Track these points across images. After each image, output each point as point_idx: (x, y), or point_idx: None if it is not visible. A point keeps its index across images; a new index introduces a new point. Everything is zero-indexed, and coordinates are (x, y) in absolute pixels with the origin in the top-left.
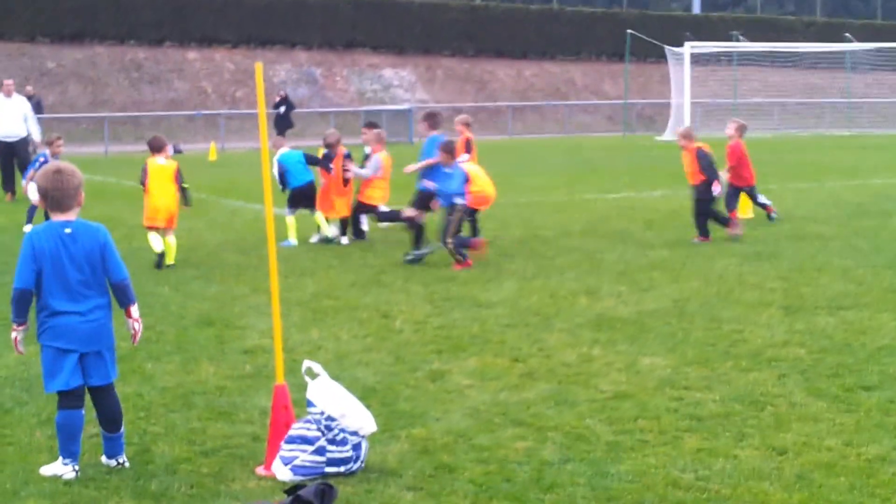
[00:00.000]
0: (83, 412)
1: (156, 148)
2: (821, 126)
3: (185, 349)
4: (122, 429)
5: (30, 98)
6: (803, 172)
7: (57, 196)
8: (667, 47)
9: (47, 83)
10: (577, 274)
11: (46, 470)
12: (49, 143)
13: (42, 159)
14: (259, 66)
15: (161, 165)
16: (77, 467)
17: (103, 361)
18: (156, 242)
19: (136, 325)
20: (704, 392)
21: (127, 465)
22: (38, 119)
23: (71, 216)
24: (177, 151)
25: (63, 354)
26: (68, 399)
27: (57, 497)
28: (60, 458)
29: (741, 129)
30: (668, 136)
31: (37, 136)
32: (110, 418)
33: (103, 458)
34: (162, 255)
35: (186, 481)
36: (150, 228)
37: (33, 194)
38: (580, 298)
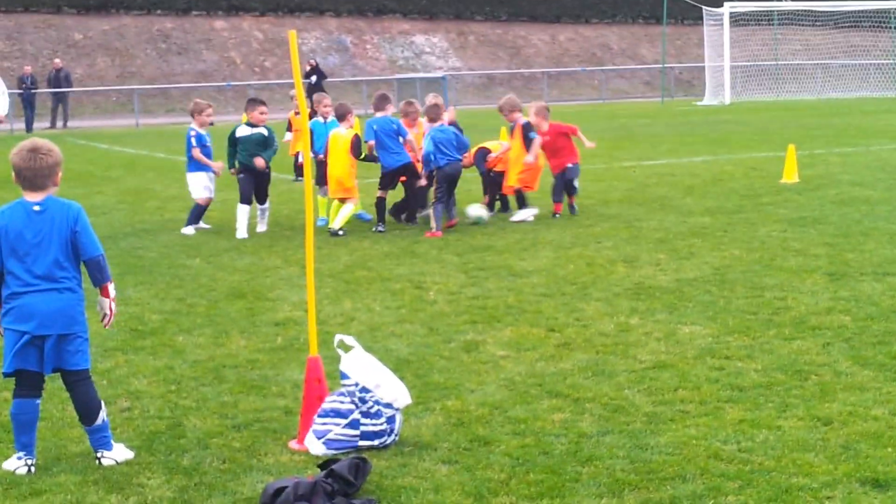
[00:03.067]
0: (38, 402)
1: (340, 116)
2: (865, 88)
3: (216, 322)
4: (102, 422)
5: (58, 71)
6: (848, 136)
7: (29, 176)
8: (705, 8)
9: (75, 55)
10: (615, 242)
11: (6, 464)
12: (199, 112)
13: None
14: (293, 34)
15: (340, 135)
16: (31, 461)
17: (71, 347)
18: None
19: (111, 306)
20: (746, 361)
21: (105, 462)
22: (67, 94)
23: (43, 196)
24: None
25: (19, 336)
26: (22, 387)
27: (88, 473)
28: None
29: (542, 112)
30: (708, 100)
31: (4, 109)
32: (82, 411)
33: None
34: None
35: (218, 456)
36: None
37: None
38: (618, 267)
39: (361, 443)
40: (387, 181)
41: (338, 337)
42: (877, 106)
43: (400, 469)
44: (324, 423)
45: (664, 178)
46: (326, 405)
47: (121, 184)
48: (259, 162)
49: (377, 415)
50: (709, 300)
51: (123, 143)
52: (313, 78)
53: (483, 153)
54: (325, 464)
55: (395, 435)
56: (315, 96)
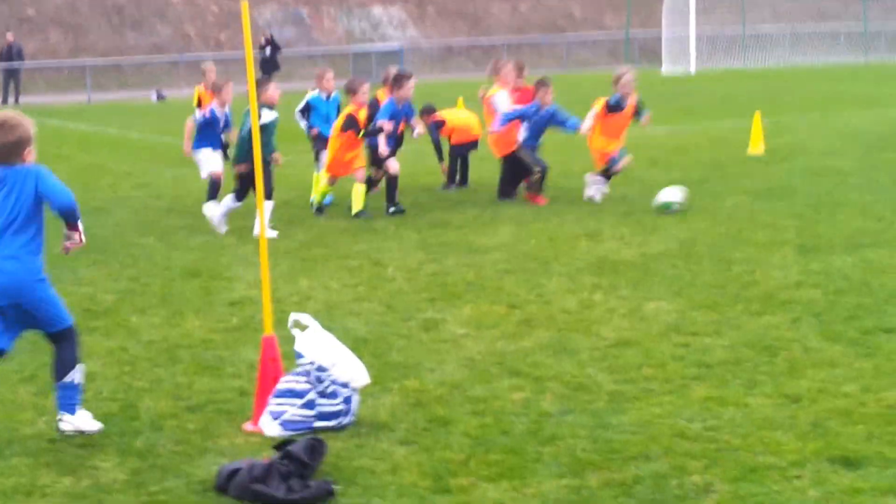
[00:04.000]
0: None
1: (350, 90)
2: (834, 54)
3: (170, 302)
4: (71, 382)
5: (10, 46)
6: (818, 104)
7: None
8: None
9: (27, 30)
10: (578, 216)
11: None
12: (218, 91)
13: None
14: (245, 5)
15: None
16: None
17: (38, 313)
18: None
19: (79, 238)
20: (713, 337)
21: (62, 426)
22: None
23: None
24: (159, 98)
25: None
26: None
27: (41, 455)
28: None
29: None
30: (670, 69)
31: None
32: (55, 365)
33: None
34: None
35: (172, 438)
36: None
37: None
38: (581, 242)
39: (317, 423)
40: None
41: (293, 316)
42: (846, 72)
43: (357, 450)
44: (279, 404)
45: (627, 150)
46: (282, 385)
47: (73, 161)
48: (278, 157)
49: (333, 395)
50: (674, 275)
51: (76, 120)
52: (267, 51)
53: (439, 123)
54: (281, 445)
55: (352, 416)
56: (318, 70)
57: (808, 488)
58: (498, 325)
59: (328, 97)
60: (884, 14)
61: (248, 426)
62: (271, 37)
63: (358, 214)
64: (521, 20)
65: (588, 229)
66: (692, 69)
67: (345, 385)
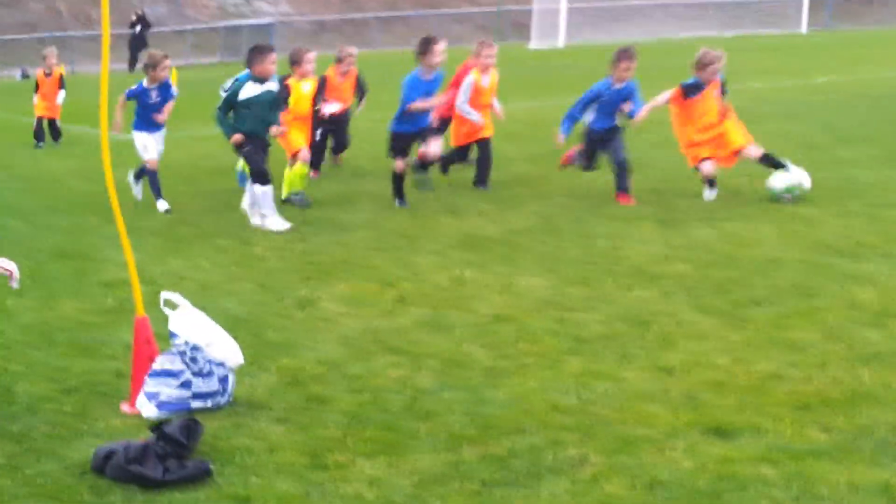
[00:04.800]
0: None
1: (293, 62)
2: (703, 28)
3: (43, 284)
4: None
5: None
6: (682, 78)
7: None
8: None
9: None
10: (436, 192)
11: None
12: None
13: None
14: None
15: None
16: None
17: None
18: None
19: None
20: (587, 312)
21: None
22: None
23: None
24: (24, 76)
25: None
26: None
27: None
28: None
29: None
30: (538, 43)
31: None
32: None
33: None
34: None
35: (48, 421)
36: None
37: None
38: (443, 218)
39: (194, 404)
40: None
41: (163, 295)
42: (714, 46)
43: (234, 429)
44: (155, 385)
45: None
46: (157, 366)
47: None
48: (275, 131)
49: (209, 374)
50: (543, 250)
51: None
52: (138, 28)
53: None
54: (157, 426)
55: (229, 395)
56: (307, 55)
57: (681, 459)
58: (373, 302)
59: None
60: None
61: (124, 407)
62: (142, 13)
63: (289, 199)
64: None
65: (448, 205)
66: (561, 43)
67: (220, 365)
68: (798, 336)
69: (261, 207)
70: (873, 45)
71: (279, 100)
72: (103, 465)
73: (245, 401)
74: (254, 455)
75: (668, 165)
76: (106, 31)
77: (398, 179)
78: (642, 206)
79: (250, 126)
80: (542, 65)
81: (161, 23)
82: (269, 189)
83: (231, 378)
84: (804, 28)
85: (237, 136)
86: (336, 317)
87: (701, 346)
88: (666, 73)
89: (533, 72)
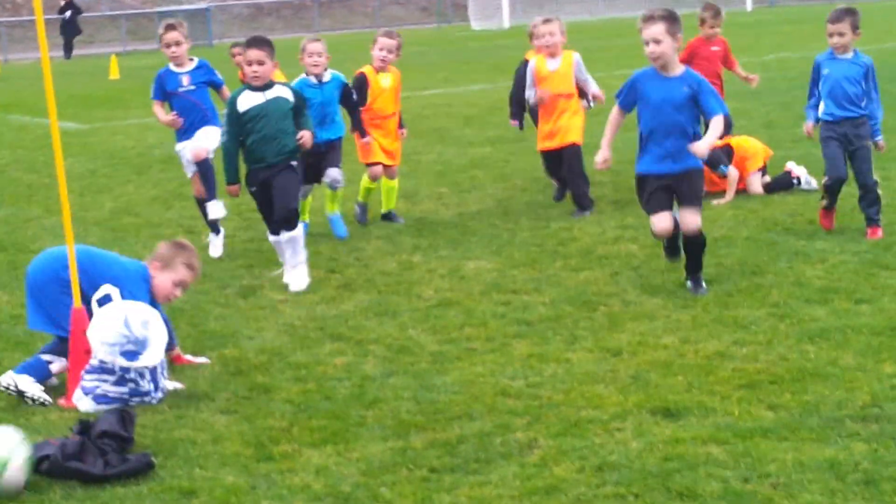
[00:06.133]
0: None
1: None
2: (644, 6)
3: None
4: None
5: None
6: (630, 58)
7: None
8: None
9: None
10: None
11: None
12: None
13: None
14: None
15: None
16: None
17: None
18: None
19: None
20: (533, 295)
21: None
22: None
23: None
24: None
25: None
26: None
27: None
28: None
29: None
30: (479, 25)
31: None
32: None
33: None
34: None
35: None
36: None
37: None
38: (397, 203)
39: (132, 399)
40: None
41: (102, 289)
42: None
43: (177, 421)
44: (92, 380)
45: (441, 109)
46: (94, 361)
47: None
48: (307, 138)
49: (141, 371)
50: (493, 234)
51: None
52: (68, 13)
53: None
54: (86, 421)
55: (163, 391)
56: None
57: (630, 440)
58: (317, 289)
59: (320, 82)
60: None
61: (62, 402)
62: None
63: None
64: None
65: (404, 190)
66: (506, 24)
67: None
68: (744, 314)
69: (282, 258)
70: (820, 21)
71: (298, 108)
72: (38, 464)
73: (187, 391)
74: (197, 446)
75: (622, 147)
76: (39, 17)
77: None
78: (600, 188)
79: (258, 150)
80: (488, 46)
81: (91, 8)
82: (284, 237)
83: (164, 373)
84: (749, 6)
85: (231, 188)
86: (279, 305)
87: (648, 327)
88: (609, 53)
89: (478, 54)
